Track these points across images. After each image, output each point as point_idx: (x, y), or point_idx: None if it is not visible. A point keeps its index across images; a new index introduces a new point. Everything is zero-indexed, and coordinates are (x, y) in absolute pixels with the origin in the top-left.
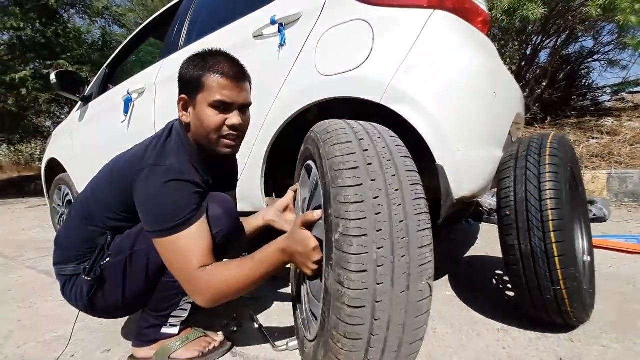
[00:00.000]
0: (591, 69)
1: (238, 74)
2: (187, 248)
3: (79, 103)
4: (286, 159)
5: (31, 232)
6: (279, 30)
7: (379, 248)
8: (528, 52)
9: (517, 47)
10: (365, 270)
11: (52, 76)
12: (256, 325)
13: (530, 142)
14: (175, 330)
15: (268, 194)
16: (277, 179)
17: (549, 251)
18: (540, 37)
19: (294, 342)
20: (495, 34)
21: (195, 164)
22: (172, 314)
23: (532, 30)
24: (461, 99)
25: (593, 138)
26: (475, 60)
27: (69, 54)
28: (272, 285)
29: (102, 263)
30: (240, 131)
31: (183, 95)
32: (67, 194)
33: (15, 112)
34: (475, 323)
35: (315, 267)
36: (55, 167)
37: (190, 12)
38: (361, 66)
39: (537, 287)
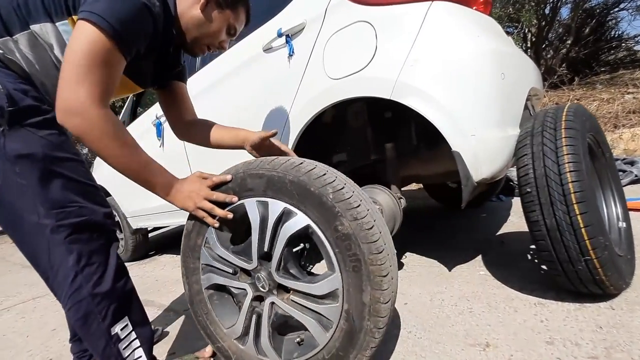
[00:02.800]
0: (619, 19)
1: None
2: (100, 64)
3: None
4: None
5: None
6: (287, 42)
7: None
8: (547, 11)
9: (534, 7)
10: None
11: None
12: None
13: (545, 117)
14: None
15: None
16: None
17: (574, 223)
18: None
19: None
20: None
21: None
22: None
23: None
24: (468, 84)
25: (628, 93)
26: (478, 44)
27: None
28: None
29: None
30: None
31: None
32: (114, 215)
33: None
34: (511, 300)
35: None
36: None
37: None
38: (368, 66)
39: (568, 260)
